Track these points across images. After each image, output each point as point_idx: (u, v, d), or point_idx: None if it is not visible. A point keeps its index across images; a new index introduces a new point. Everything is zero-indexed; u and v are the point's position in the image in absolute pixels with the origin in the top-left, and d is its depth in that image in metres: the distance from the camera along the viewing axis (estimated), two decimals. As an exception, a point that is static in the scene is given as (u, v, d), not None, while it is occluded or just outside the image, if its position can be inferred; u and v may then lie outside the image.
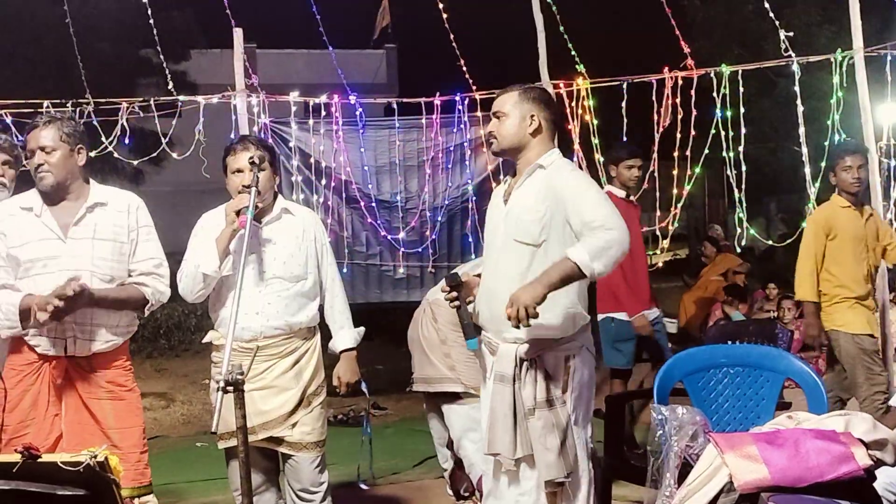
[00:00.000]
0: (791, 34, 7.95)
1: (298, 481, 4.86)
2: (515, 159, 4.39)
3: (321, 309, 5.02)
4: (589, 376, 4.35)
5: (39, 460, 3.40)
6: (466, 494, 5.99)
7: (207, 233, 4.77)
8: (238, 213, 4.54)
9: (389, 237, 8.90)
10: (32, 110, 8.02)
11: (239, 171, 4.75)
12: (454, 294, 4.25)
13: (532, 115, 4.30)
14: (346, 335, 5.04)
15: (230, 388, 3.55)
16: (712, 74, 8.22)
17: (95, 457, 3.36)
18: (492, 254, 4.43)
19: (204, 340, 5.02)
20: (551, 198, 4.19)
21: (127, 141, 8.33)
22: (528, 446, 4.17)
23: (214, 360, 4.84)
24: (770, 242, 11.22)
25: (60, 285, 4.20)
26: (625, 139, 8.48)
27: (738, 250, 9.64)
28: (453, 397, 5.85)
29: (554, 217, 4.18)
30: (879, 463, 3.86)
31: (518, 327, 3.95)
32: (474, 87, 8.99)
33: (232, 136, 8.23)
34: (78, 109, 8.10)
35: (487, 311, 4.31)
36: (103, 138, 8.27)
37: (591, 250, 3.98)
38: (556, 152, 4.35)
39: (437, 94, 8.94)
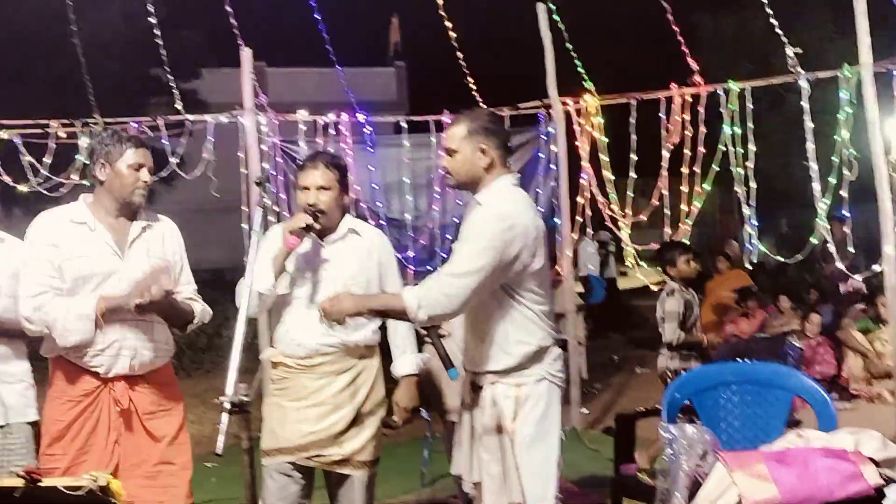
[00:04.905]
0: (799, 50, 7.93)
1: (344, 501, 4.77)
2: (474, 192, 4.20)
3: (384, 331, 4.92)
4: (550, 406, 4.12)
5: (41, 484, 3.38)
6: None
7: (269, 248, 4.68)
8: (292, 232, 4.50)
9: (399, 255, 8.89)
10: (42, 130, 8.08)
11: (306, 188, 4.66)
12: (423, 332, 4.25)
13: (482, 149, 4.11)
14: (408, 360, 4.93)
15: (236, 409, 3.54)
16: (720, 91, 8.21)
17: (97, 480, 3.34)
18: None
19: (262, 357, 4.99)
20: None
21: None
22: (479, 472, 4.15)
23: (273, 378, 4.77)
24: (780, 258, 11.17)
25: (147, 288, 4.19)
26: (633, 156, 8.47)
27: (749, 266, 9.60)
28: None
29: None
30: (890, 481, 3.83)
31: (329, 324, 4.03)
32: (483, 105, 9.00)
33: (240, 154, 8.27)
34: (87, 129, 8.13)
35: (455, 344, 4.33)
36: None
37: (421, 298, 3.91)
38: (503, 183, 4.15)
39: (446, 111, 8.95)
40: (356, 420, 4.71)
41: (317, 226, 4.59)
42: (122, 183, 4.39)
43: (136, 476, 4.34)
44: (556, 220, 9.13)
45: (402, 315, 4.00)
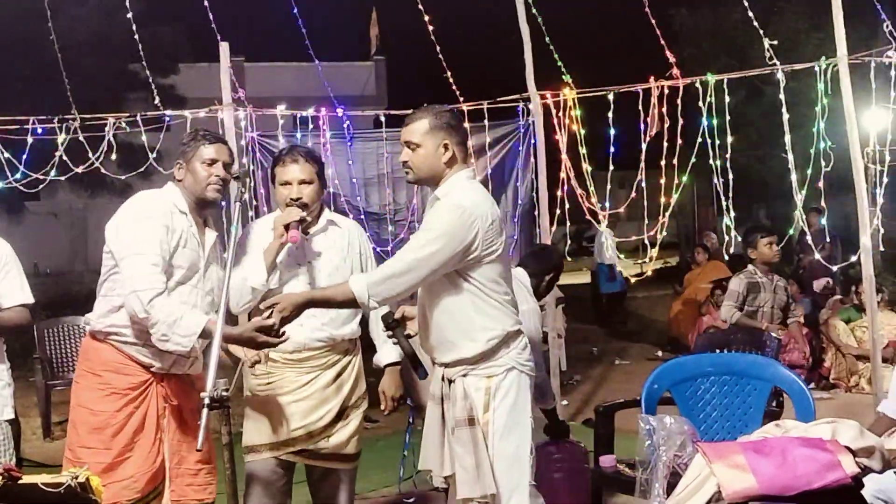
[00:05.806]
0: (776, 42, 7.97)
1: (327, 496, 4.81)
2: (433, 187, 4.21)
3: (365, 322, 4.93)
4: (519, 396, 4.13)
5: (20, 482, 3.36)
6: None
7: (256, 243, 4.67)
8: (287, 226, 4.49)
9: (378, 249, 8.87)
10: (18, 126, 8.04)
11: (287, 183, 4.66)
12: (388, 333, 4.28)
13: (445, 144, 4.11)
14: (390, 349, 4.91)
15: (216, 405, 3.53)
16: (698, 83, 8.24)
17: (77, 477, 3.32)
18: None
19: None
20: None
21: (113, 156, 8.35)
22: (451, 465, 4.13)
23: (256, 373, 4.74)
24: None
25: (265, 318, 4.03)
26: (611, 148, 8.48)
27: (727, 258, 9.65)
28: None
29: None
30: (867, 470, 3.86)
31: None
32: (462, 99, 9.00)
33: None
34: (64, 125, 8.09)
35: (421, 338, 4.29)
36: (90, 154, 8.26)
37: (369, 284, 3.95)
38: (460, 177, 4.15)
39: (425, 105, 8.90)
40: (341, 414, 4.73)
41: (309, 219, 4.61)
42: (195, 179, 4.31)
43: (182, 474, 4.33)
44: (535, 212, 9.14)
45: (350, 303, 4.02)
